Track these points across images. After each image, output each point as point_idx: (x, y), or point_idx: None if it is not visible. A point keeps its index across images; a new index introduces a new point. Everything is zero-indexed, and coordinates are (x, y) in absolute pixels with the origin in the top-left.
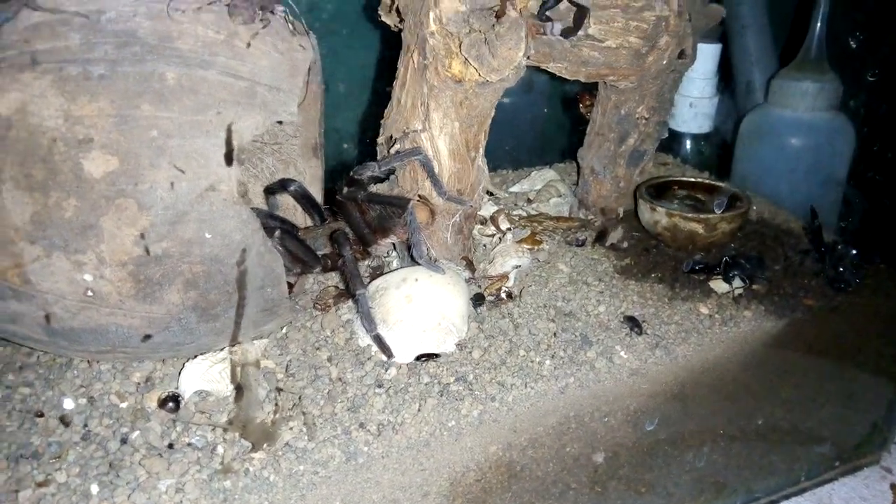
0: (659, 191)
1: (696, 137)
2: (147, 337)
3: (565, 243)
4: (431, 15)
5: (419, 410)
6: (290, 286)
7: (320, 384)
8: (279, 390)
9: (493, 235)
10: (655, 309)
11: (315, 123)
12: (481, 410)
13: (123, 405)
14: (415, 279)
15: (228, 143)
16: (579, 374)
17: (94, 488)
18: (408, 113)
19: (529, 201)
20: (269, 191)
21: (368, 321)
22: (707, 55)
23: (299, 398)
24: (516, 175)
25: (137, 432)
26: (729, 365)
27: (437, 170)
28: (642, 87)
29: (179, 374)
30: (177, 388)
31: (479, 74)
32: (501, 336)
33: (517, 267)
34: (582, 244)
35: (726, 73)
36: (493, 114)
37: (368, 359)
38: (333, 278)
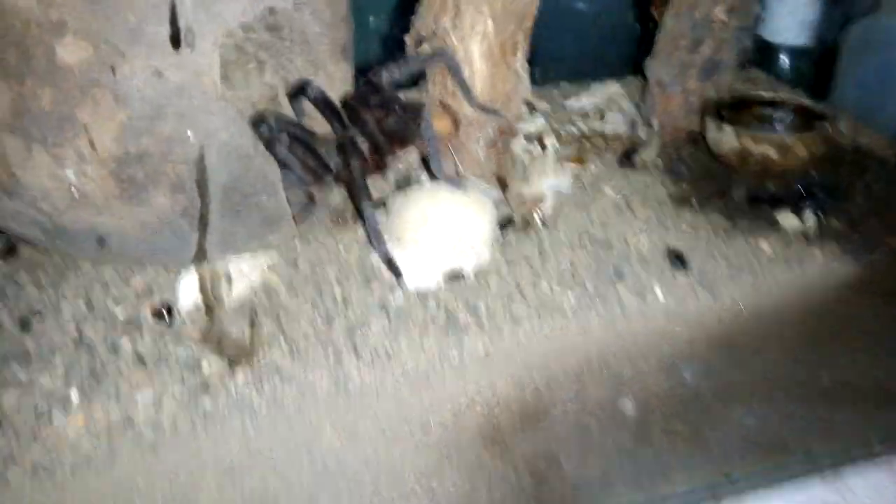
0: (735, 110)
1: (793, 50)
2: (139, 241)
3: (616, 164)
4: None
5: (420, 339)
6: (311, 197)
7: (320, 303)
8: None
9: (532, 152)
10: (707, 243)
11: (343, 21)
12: (487, 343)
13: (119, 311)
14: (434, 196)
15: (217, 32)
16: (605, 311)
17: (74, 395)
18: (437, 7)
19: (586, 117)
20: (292, 95)
21: (377, 239)
22: None
23: (283, 319)
24: (576, 88)
25: (127, 341)
26: (789, 311)
27: (466, 74)
28: None
29: (177, 283)
30: (174, 298)
31: None
32: (525, 264)
33: (556, 188)
34: (635, 166)
35: None
36: (535, 12)
37: (377, 279)
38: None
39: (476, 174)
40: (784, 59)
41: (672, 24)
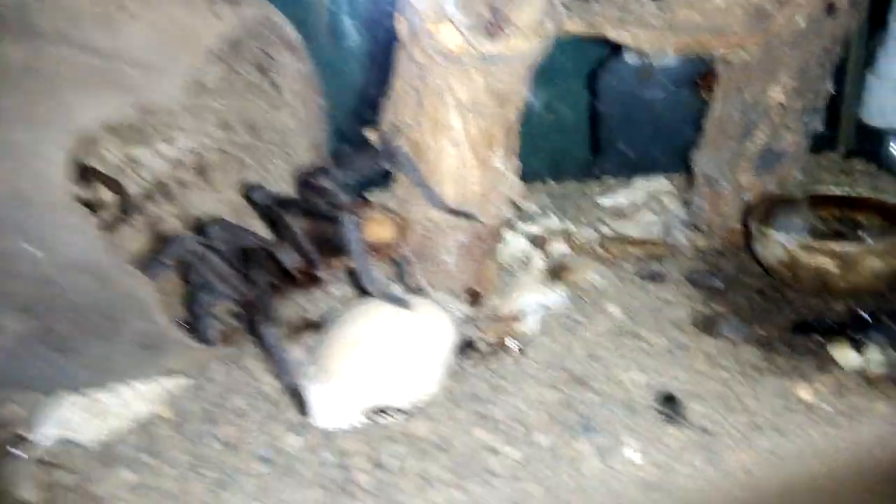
0: (793, 210)
1: None
2: None
3: (637, 276)
4: None
5: None
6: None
7: (201, 447)
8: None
9: (530, 261)
10: (725, 385)
11: (315, 120)
12: None
13: None
14: (372, 315)
15: (66, 134)
16: (552, 475)
17: None
18: (400, 101)
19: (620, 217)
20: (246, 199)
21: (281, 366)
22: None
23: (147, 468)
24: (617, 184)
25: None
26: (831, 489)
27: (428, 173)
28: (773, 60)
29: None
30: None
31: (473, 45)
32: (470, 404)
33: (542, 305)
34: (658, 278)
35: None
36: (519, 103)
37: (284, 415)
38: (311, 303)
39: (446, 287)
40: (893, 147)
41: (721, 110)
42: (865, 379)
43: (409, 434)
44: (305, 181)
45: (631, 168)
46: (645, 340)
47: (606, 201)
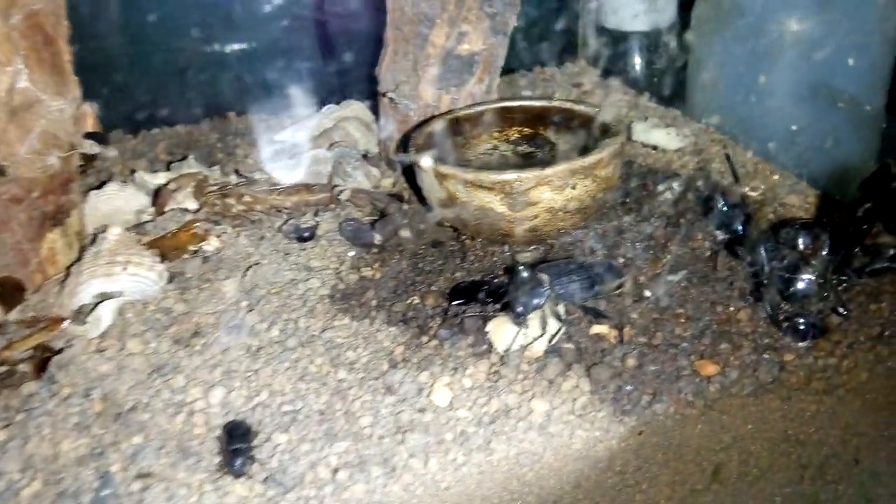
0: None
1: (642, 38)
2: None
3: (283, 235)
4: None
5: None
6: None
7: None
8: None
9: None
10: (337, 396)
11: None
12: None
13: None
14: None
15: None
16: None
17: None
18: None
19: (294, 156)
20: None
21: None
22: None
23: None
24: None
25: None
26: None
27: None
28: None
29: None
30: None
31: None
32: None
33: (117, 295)
34: (308, 237)
35: None
36: None
37: None
38: None
39: None
40: (636, 52)
41: (394, 5)
42: (527, 362)
43: None
44: None
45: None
46: (256, 333)
47: (285, 136)
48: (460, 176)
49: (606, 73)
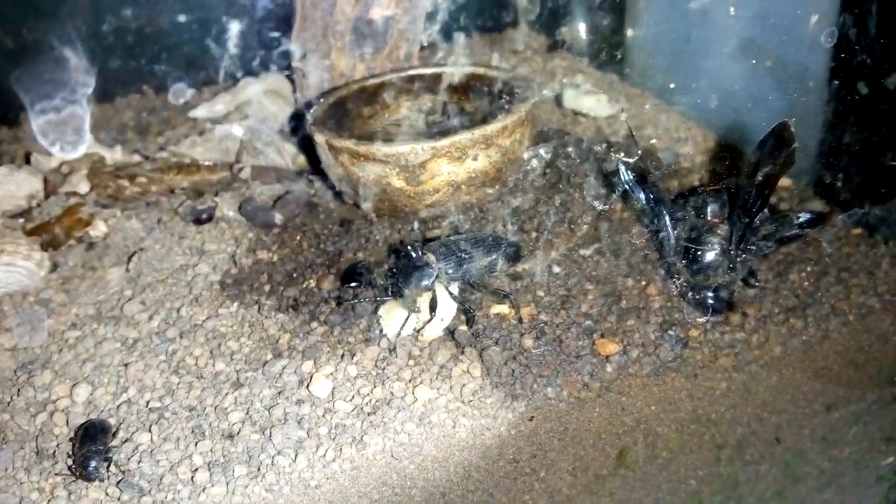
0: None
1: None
2: None
3: (181, 217)
4: None
5: None
6: None
7: None
8: None
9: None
10: (213, 391)
11: None
12: None
13: None
14: None
15: None
16: None
17: None
18: None
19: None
20: None
21: None
22: None
23: None
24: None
25: None
26: None
27: None
28: None
29: None
30: None
31: None
32: None
33: None
34: (207, 219)
35: None
36: None
37: None
38: None
39: None
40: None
41: None
42: (420, 347)
43: None
44: None
45: None
46: (135, 323)
47: (201, 112)
48: (352, 148)
49: (547, 40)
